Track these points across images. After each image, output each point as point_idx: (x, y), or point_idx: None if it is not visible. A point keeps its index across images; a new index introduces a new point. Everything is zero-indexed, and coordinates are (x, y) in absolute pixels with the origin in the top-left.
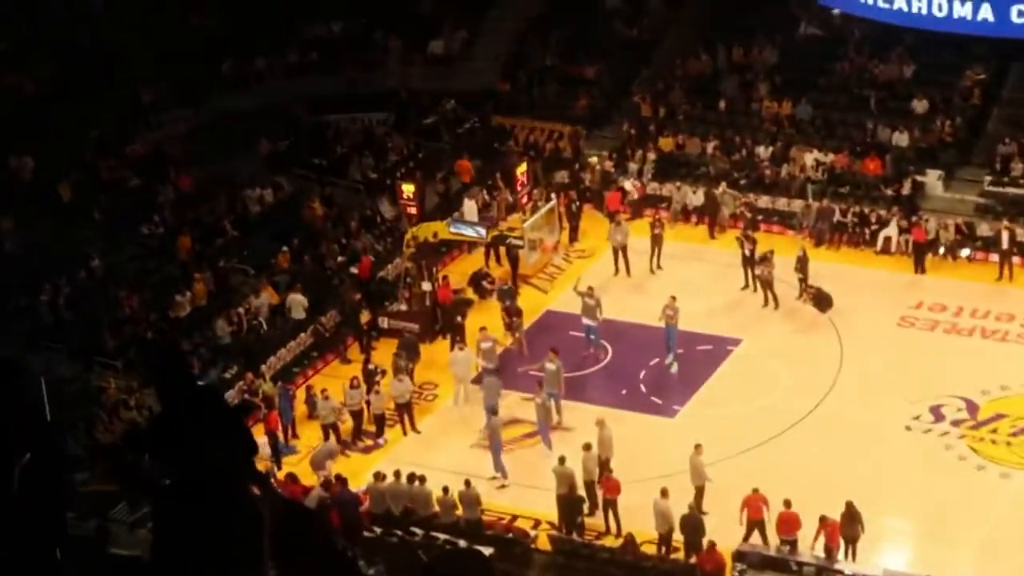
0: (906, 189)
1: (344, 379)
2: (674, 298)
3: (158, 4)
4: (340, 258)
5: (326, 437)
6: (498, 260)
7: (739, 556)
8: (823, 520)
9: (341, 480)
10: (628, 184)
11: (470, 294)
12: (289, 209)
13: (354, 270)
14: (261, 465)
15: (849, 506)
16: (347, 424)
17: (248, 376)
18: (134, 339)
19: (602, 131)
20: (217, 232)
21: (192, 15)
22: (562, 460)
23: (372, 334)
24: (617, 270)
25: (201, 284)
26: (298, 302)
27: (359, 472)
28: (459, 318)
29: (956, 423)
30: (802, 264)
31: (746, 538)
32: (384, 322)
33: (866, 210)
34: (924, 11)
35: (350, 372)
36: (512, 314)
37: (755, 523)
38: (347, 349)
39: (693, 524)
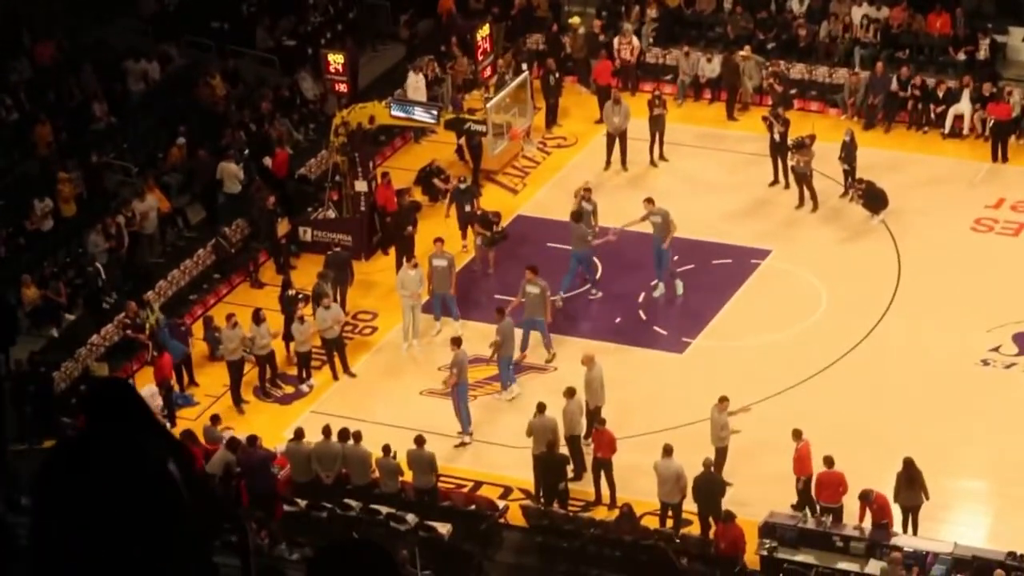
0: (983, 52)
1: (255, 308)
2: (650, 200)
3: None
4: (248, 150)
5: (233, 377)
6: (460, 155)
7: (767, 530)
8: (865, 498)
9: (252, 439)
10: (622, 39)
11: (418, 196)
12: (181, 87)
13: (266, 165)
14: None
15: (908, 465)
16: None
17: (131, 306)
18: None
19: None
20: (87, 118)
21: None
22: (541, 408)
23: (291, 249)
24: (610, 162)
25: (68, 186)
26: (231, 173)
27: (277, 428)
28: (408, 227)
29: None
30: (848, 151)
31: (801, 504)
32: (306, 233)
33: (931, 80)
34: None
35: (263, 298)
36: (473, 221)
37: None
38: (258, 269)
39: (709, 488)
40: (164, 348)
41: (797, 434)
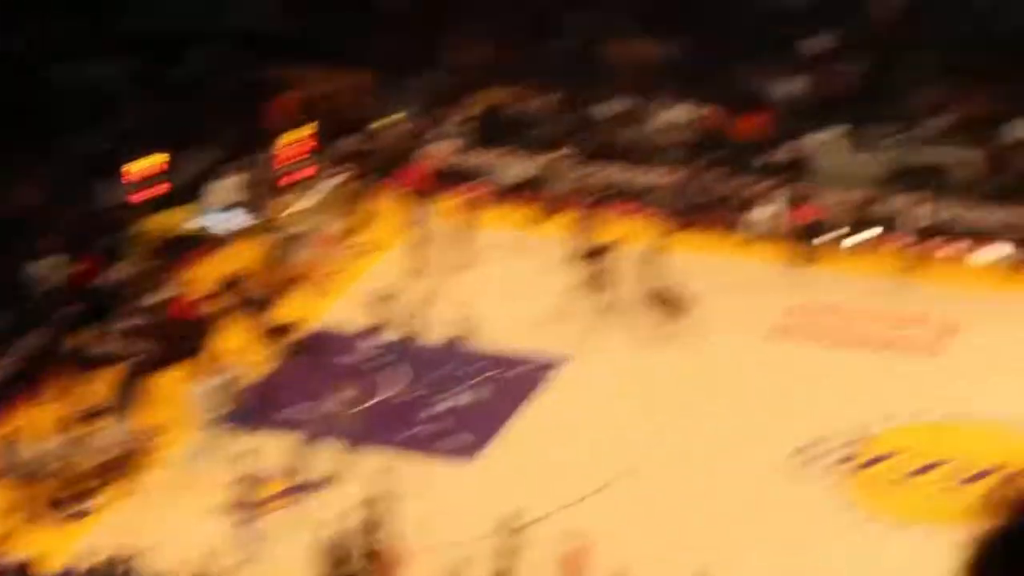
0: (792, 154)
1: (43, 423)
2: (465, 307)
3: None
4: (45, 260)
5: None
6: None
7: None
8: None
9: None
10: (435, 150)
11: (222, 303)
12: None
13: (68, 274)
14: None
15: None
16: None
17: None
18: None
19: (403, 81)
20: None
21: None
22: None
23: (84, 361)
24: (415, 268)
25: None
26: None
27: (58, 550)
28: (209, 338)
29: (841, 462)
30: (651, 255)
31: None
32: (101, 346)
33: (739, 182)
34: None
35: (54, 413)
36: (271, 331)
37: None
38: (49, 382)
39: None
40: None
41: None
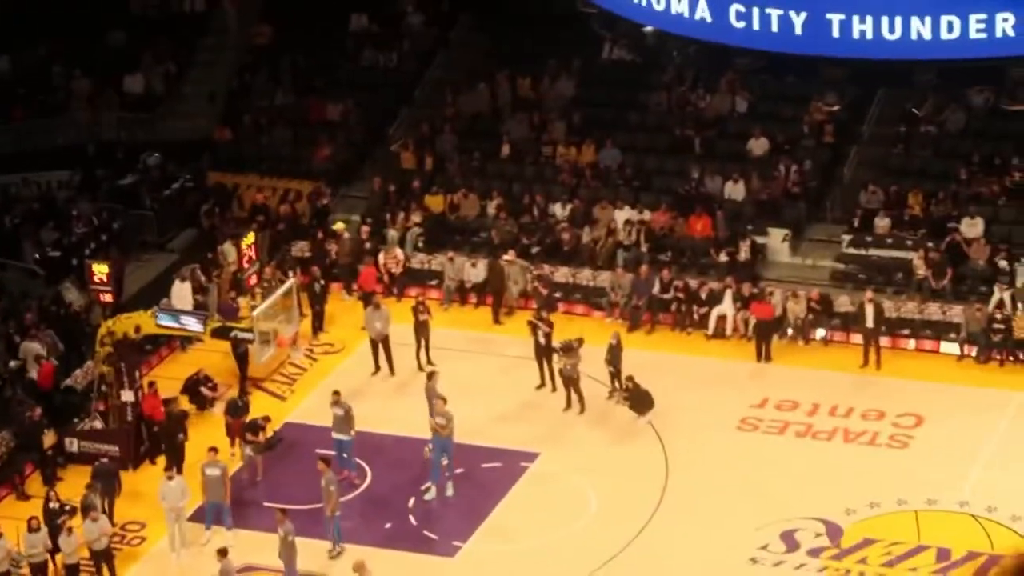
0: (743, 254)
1: (21, 520)
2: (444, 400)
3: None
4: (12, 362)
5: None
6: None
7: None
8: None
9: None
10: (386, 254)
11: (186, 404)
12: None
13: (32, 377)
14: None
15: None
16: None
17: None
18: None
19: (351, 188)
20: None
21: None
22: None
23: (58, 460)
24: (377, 368)
25: None
26: (32, 352)
27: None
28: (178, 436)
29: (815, 552)
30: (614, 354)
31: None
32: (73, 444)
33: (693, 282)
34: (764, 28)
35: (30, 510)
36: (249, 430)
37: None
38: (24, 481)
39: None
40: None
41: None
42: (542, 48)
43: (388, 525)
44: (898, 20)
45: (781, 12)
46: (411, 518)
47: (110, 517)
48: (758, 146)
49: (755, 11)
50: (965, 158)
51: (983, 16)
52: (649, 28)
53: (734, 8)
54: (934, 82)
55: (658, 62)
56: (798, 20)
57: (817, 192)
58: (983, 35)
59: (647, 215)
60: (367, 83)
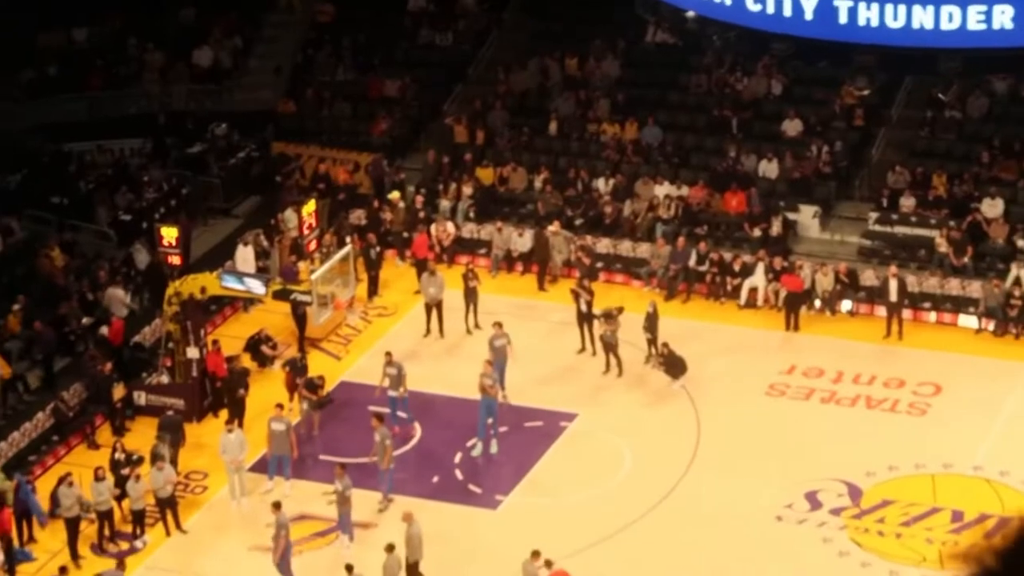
0: (775, 229)
1: (91, 468)
2: (490, 363)
3: None
4: (85, 319)
5: (71, 534)
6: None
7: None
8: None
9: None
10: (438, 226)
11: (247, 362)
12: (20, 259)
13: (103, 333)
14: None
15: None
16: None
17: None
18: None
19: (407, 161)
20: None
21: None
22: (349, 568)
23: (126, 412)
24: (429, 330)
25: None
26: (118, 299)
27: None
28: (240, 391)
29: (836, 511)
30: (651, 321)
31: None
32: (141, 397)
33: (728, 255)
34: (801, 16)
35: (100, 459)
36: (308, 387)
37: None
38: (95, 431)
39: None
40: (6, 505)
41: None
42: (589, 30)
43: (436, 479)
44: (929, 9)
45: (816, 1)
46: (457, 472)
47: (174, 466)
48: (792, 127)
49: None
50: (987, 142)
51: (1008, 7)
52: (690, 12)
53: None
54: (959, 69)
55: (699, 46)
56: (833, 8)
57: (846, 172)
58: (1010, 25)
59: (685, 191)
60: (423, 61)
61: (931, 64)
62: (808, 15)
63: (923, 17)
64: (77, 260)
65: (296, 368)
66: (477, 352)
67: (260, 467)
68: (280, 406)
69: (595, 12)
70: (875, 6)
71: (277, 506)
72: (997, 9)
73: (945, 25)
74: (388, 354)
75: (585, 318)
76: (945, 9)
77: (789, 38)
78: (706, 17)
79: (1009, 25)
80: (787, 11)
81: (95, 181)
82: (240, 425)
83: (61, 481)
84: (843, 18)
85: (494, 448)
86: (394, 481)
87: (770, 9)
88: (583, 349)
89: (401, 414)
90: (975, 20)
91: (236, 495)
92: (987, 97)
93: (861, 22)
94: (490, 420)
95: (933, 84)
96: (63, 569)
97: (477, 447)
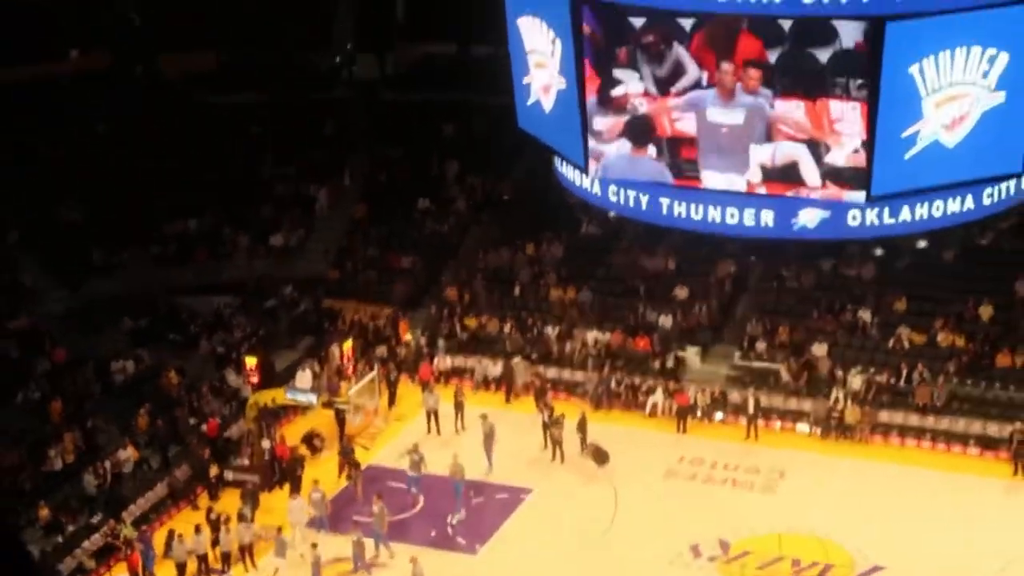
0: (670, 362)
1: (194, 524)
2: (456, 455)
3: (34, 200)
4: (192, 420)
5: (179, 572)
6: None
7: None
8: None
9: None
10: (437, 358)
11: (303, 451)
12: (147, 378)
13: (203, 430)
14: None
15: None
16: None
17: (111, 523)
18: (12, 490)
19: (416, 312)
20: (87, 396)
21: (63, 210)
22: None
23: (219, 485)
24: (429, 430)
25: (71, 442)
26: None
27: None
28: (298, 471)
29: (711, 559)
30: (583, 425)
31: None
32: (229, 475)
33: (636, 380)
34: (683, 215)
35: (199, 518)
36: (352, 466)
37: None
38: (197, 498)
39: None
40: (134, 550)
41: None
42: (542, 224)
43: (433, 533)
44: (771, 213)
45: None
46: (448, 529)
47: (252, 523)
48: (681, 292)
49: (685, 204)
50: (815, 303)
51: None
52: (612, 213)
53: (665, 202)
54: (795, 252)
55: (617, 235)
56: (707, 211)
57: (719, 324)
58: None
59: (608, 336)
60: (428, 244)
61: (776, 249)
62: (693, 216)
63: (768, 218)
64: (187, 379)
65: (346, 453)
66: (464, 446)
67: (312, 524)
68: (316, 482)
69: (545, 213)
70: (735, 210)
71: (314, 546)
72: (807, 213)
73: (800, 226)
74: (416, 446)
75: (546, 425)
76: (804, 213)
77: (677, 230)
78: (621, 215)
79: (855, 222)
80: (687, 213)
81: (200, 325)
82: (299, 494)
83: (171, 536)
84: (731, 219)
85: (473, 511)
86: (406, 533)
87: (664, 211)
88: (546, 447)
89: (413, 489)
90: (819, 220)
91: (297, 545)
92: (815, 272)
93: (731, 221)
94: (471, 492)
95: (778, 264)
96: None
97: (453, 516)
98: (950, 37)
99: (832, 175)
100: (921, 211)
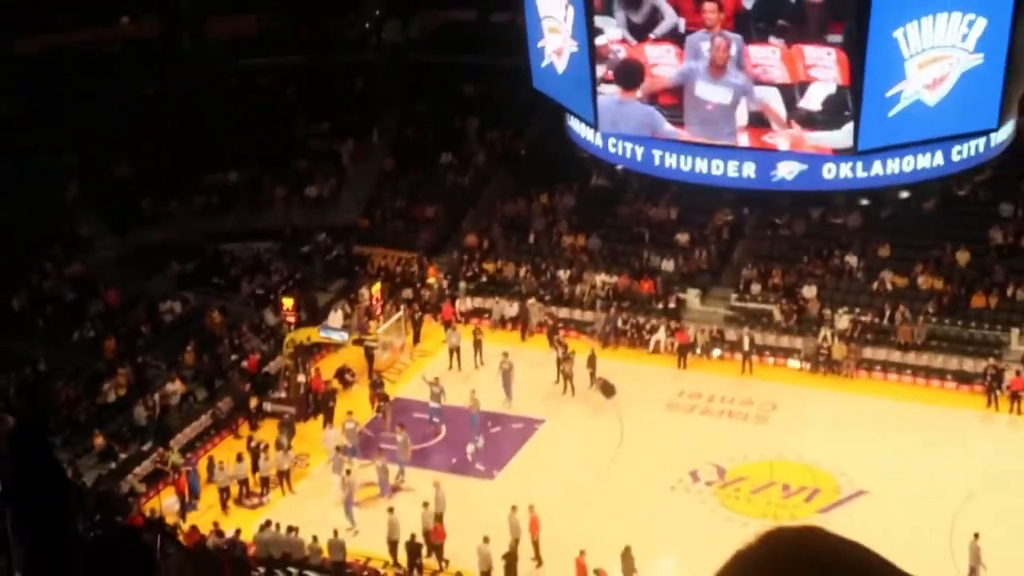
0: (672, 303)
1: (236, 451)
2: (474, 390)
3: (89, 156)
4: (233, 356)
5: (222, 499)
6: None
7: None
8: (597, 573)
9: (219, 531)
10: (459, 300)
11: (336, 384)
12: (193, 318)
13: (244, 365)
14: (170, 519)
15: (627, 550)
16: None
17: (160, 450)
18: (69, 421)
19: (439, 258)
20: (137, 335)
21: (118, 167)
22: (390, 510)
23: (258, 416)
24: (451, 366)
25: (123, 376)
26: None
27: (248, 524)
28: (330, 403)
29: (709, 484)
30: (592, 361)
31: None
32: (268, 406)
33: (641, 320)
34: (674, 166)
35: (240, 446)
36: (381, 398)
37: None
38: (238, 428)
39: (510, 563)
40: (180, 474)
41: (517, 510)
42: (555, 176)
43: (454, 460)
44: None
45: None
46: (468, 456)
47: (288, 450)
48: (683, 239)
49: (675, 156)
50: (806, 249)
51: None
52: (619, 166)
53: (658, 154)
54: (787, 203)
55: (624, 186)
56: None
57: (717, 268)
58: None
59: (615, 279)
60: (450, 195)
61: (770, 200)
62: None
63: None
64: (229, 319)
65: (375, 385)
66: (483, 381)
67: (344, 452)
68: (350, 413)
69: (558, 166)
70: (720, 162)
71: (348, 472)
72: (786, 166)
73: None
74: (436, 379)
75: (559, 361)
76: (783, 165)
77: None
78: (629, 168)
79: (829, 175)
80: (677, 165)
81: (240, 269)
82: (331, 424)
83: (212, 463)
84: (717, 171)
85: (491, 440)
86: (428, 460)
87: (657, 162)
88: (558, 381)
89: (435, 419)
90: (797, 172)
91: (328, 470)
92: (806, 221)
93: (732, 173)
94: (489, 422)
95: (772, 212)
96: (193, 528)
97: (471, 445)
98: (932, 3)
99: (805, 120)
100: (892, 166)
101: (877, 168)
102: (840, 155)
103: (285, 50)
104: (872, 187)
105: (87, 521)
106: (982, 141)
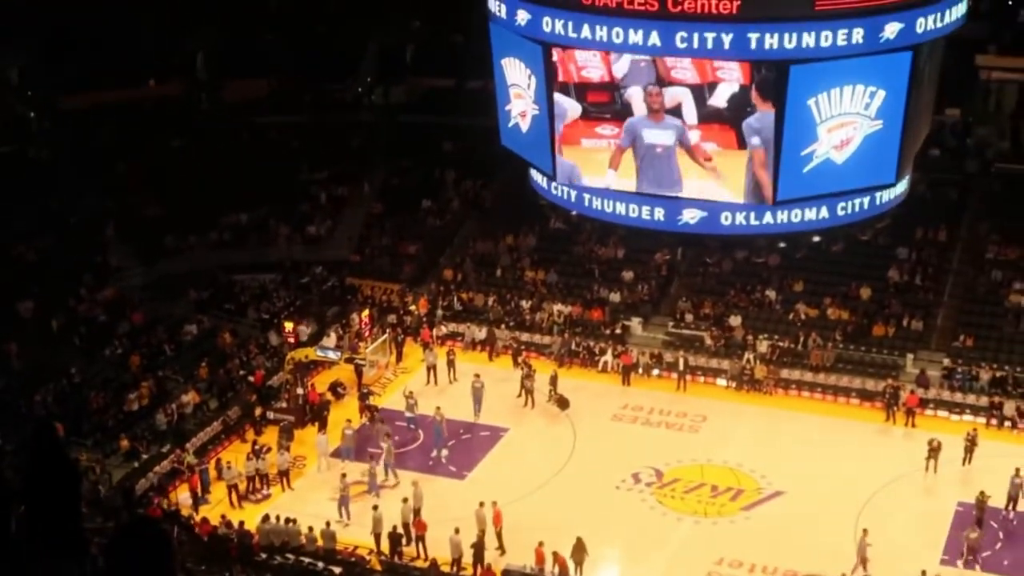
0: (618, 329)
1: (242, 453)
2: (439, 407)
3: (121, 199)
4: (242, 372)
5: (229, 495)
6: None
7: (506, 572)
8: (555, 555)
9: (227, 521)
10: (436, 325)
11: (329, 396)
12: (206, 338)
13: (251, 379)
14: (185, 511)
15: (579, 540)
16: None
17: (177, 451)
18: (99, 426)
19: (418, 289)
20: (159, 352)
21: (148, 207)
22: (375, 508)
23: (262, 423)
24: (428, 381)
25: (146, 388)
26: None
27: (252, 515)
28: (324, 413)
29: (648, 484)
30: (555, 380)
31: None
32: (270, 415)
33: (592, 343)
34: (627, 214)
35: (246, 448)
36: (370, 409)
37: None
38: (245, 433)
39: (478, 551)
40: (195, 473)
41: (484, 506)
42: (519, 220)
43: (430, 462)
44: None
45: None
46: (442, 459)
47: (289, 452)
48: (627, 275)
49: (618, 204)
50: (732, 284)
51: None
52: (574, 212)
53: (607, 202)
54: (719, 244)
55: (578, 229)
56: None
57: (657, 300)
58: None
59: (569, 308)
60: (429, 235)
61: (701, 241)
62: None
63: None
64: (238, 339)
65: (363, 398)
66: (456, 395)
67: (335, 454)
68: (349, 420)
69: (522, 211)
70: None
71: (343, 475)
72: (689, 212)
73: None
74: (411, 392)
75: (523, 378)
76: (687, 212)
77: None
78: (581, 214)
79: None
80: (621, 211)
81: (248, 297)
82: (324, 431)
83: (219, 463)
84: (659, 217)
85: (461, 446)
86: (408, 462)
87: (617, 211)
88: (520, 396)
89: (412, 426)
90: (699, 218)
91: (322, 469)
92: (732, 260)
93: (632, 215)
94: (444, 435)
95: (703, 253)
96: (204, 519)
97: (435, 451)
98: (840, 77)
99: (713, 116)
100: (781, 216)
101: (768, 218)
102: (758, 204)
103: (291, 110)
104: (763, 234)
105: (110, 513)
106: (867, 199)
